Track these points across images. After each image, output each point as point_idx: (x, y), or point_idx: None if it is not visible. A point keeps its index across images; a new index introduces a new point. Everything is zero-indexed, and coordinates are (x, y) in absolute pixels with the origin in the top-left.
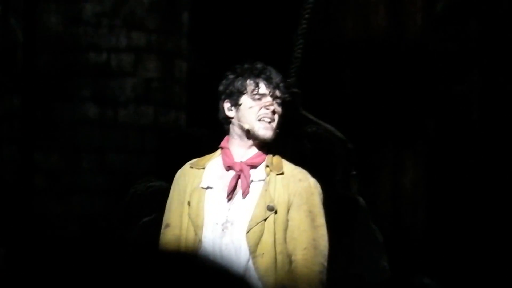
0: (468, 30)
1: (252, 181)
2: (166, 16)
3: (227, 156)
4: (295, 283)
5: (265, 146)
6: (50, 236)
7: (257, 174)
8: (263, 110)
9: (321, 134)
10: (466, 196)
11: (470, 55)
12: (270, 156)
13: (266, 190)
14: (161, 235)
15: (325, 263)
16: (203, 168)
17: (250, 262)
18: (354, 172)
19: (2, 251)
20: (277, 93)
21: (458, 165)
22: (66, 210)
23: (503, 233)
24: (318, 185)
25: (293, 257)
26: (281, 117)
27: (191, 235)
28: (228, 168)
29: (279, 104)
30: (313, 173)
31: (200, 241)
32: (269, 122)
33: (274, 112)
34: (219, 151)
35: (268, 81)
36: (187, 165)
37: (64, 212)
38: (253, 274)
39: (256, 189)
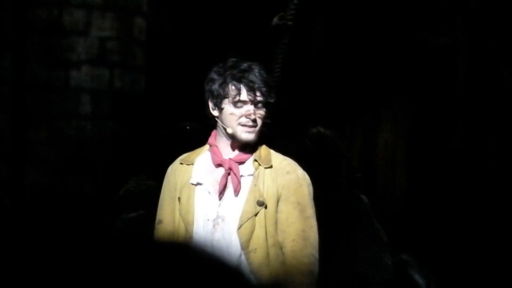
0: None
1: (241, 176)
2: None
3: (215, 154)
4: (286, 275)
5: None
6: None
7: (245, 169)
8: (244, 118)
9: (326, 135)
10: (449, 162)
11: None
12: (258, 149)
13: (255, 185)
14: (154, 231)
15: (316, 254)
16: (192, 164)
17: (243, 257)
18: (359, 175)
19: None
20: (259, 98)
21: (441, 128)
22: (13, 180)
23: (486, 200)
24: (306, 177)
25: (283, 249)
26: (268, 116)
27: (182, 231)
28: (218, 165)
29: (262, 107)
30: (318, 173)
31: (191, 237)
32: (251, 127)
33: (255, 120)
34: (207, 145)
35: (250, 86)
36: (177, 161)
37: (11, 183)
38: (245, 269)
39: (245, 184)
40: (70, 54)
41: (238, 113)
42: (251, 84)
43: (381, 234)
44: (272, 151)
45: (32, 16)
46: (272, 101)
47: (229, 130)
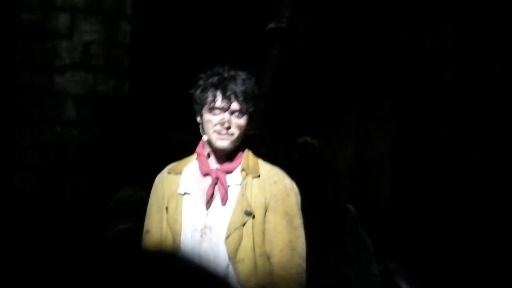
0: None
1: (229, 186)
2: None
3: (202, 163)
4: (273, 286)
5: (240, 150)
6: None
7: (233, 179)
8: (218, 126)
9: (313, 145)
10: (436, 168)
11: (442, 2)
12: (246, 158)
13: (243, 195)
14: (142, 241)
15: (303, 264)
16: (180, 174)
17: (230, 268)
18: (346, 185)
19: None
20: (235, 106)
21: (428, 132)
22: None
23: (474, 206)
24: (294, 186)
25: (270, 260)
26: (248, 125)
27: (169, 241)
28: (205, 175)
29: (240, 116)
30: (305, 182)
31: (178, 247)
32: (225, 134)
33: (229, 127)
34: (195, 155)
35: (226, 94)
36: (165, 171)
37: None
38: (233, 280)
39: (233, 193)
40: (54, 59)
41: (214, 120)
42: (227, 93)
43: (367, 243)
44: (260, 160)
45: (16, 20)
46: (250, 111)
47: (205, 137)
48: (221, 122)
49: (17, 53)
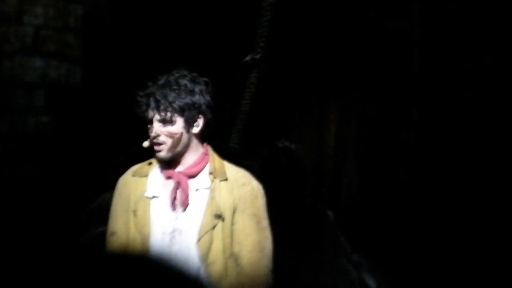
0: None
1: (197, 189)
2: None
3: (163, 167)
4: (243, 287)
5: (200, 152)
6: None
7: (201, 182)
8: (151, 134)
9: (293, 150)
10: (401, 156)
11: None
12: (212, 161)
13: (212, 198)
14: (107, 243)
15: (270, 265)
16: (146, 176)
17: (201, 270)
18: (324, 189)
19: None
20: (165, 114)
21: (396, 117)
22: None
23: (439, 195)
24: (261, 188)
25: (238, 260)
26: (186, 126)
27: (137, 244)
28: (168, 178)
29: (169, 123)
30: (284, 187)
31: (147, 250)
32: (159, 145)
33: (154, 132)
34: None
35: (153, 103)
36: (128, 173)
37: None
38: (204, 282)
39: (202, 197)
40: (2, 44)
41: (149, 133)
42: (154, 102)
43: (346, 247)
44: (225, 162)
45: None
46: (185, 115)
47: (146, 144)
48: (152, 135)
49: None
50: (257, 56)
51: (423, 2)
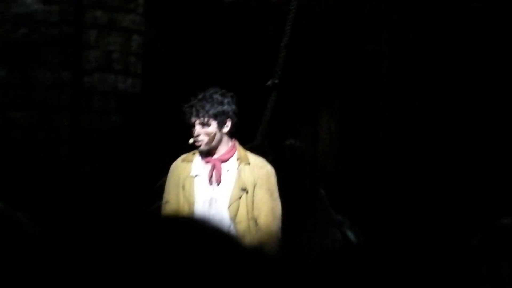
0: None
1: (228, 170)
2: None
3: (203, 155)
4: (261, 239)
5: (230, 144)
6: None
7: (231, 165)
8: (193, 134)
9: (296, 146)
10: (374, 147)
11: (380, 17)
12: (239, 150)
13: (239, 176)
14: (162, 209)
15: (280, 224)
16: (191, 162)
17: (231, 227)
18: (318, 174)
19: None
20: (203, 119)
21: (369, 119)
22: (43, 163)
23: (403, 177)
24: (273, 170)
25: (257, 221)
26: (218, 127)
27: (185, 209)
28: (207, 162)
29: (206, 126)
30: (290, 174)
31: (193, 213)
32: (198, 142)
33: (197, 133)
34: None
35: (195, 111)
36: (179, 160)
37: (39, 166)
38: (233, 236)
39: (232, 175)
40: (85, 63)
41: (193, 132)
42: (196, 111)
43: (333, 216)
44: (248, 152)
45: (57, 33)
46: (218, 119)
47: (190, 141)
48: (194, 135)
49: (59, 58)
50: (276, 81)
51: (389, 32)
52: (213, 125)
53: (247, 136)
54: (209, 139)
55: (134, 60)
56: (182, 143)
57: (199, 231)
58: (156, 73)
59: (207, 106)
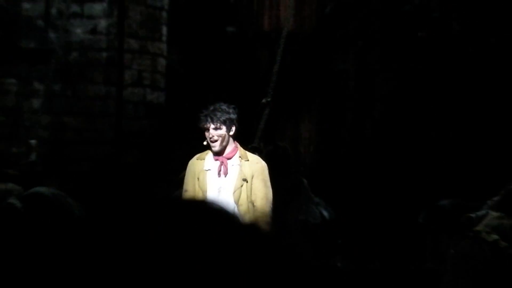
0: (346, 25)
1: (233, 165)
2: (151, 29)
3: (214, 154)
4: (256, 218)
5: (234, 145)
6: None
7: (235, 161)
8: (209, 139)
9: (284, 147)
10: (344, 141)
11: (348, 43)
12: (240, 150)
13: (241, 170)
14: (182, 196)
15: (271, 206)
16: (204, 159)
17: (235, 209)
18: (302, 168)
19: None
20: (216, 125)
21: (339, 122)
22: (89, 157)
23: (368, 166)
24: (266, 165)
25: (255, 203)
26: (227, 130)
27: (200, 196)
28: (216, 160)
29: (218, 129)
30: (279, 168)
31: (206, 198)
32: (213, 142)
33: (211, 135)
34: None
35: (210, 119)
36: (194, 158)
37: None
38: (236, 215)
39: (235, 169)
40: (125, 80)
41: (207, 136)
42: (211, 118)
43: (313, 198)
44: (246, 151)
45: (101, 57)
46: (227, 124)
47: (205, 143)
48: (209, 137)
49: (103, 76)
50: (269, 99)
51: (355, 55)
52: (223, 129)
53: (247, 140)
54: (221, 140)
55: (159, 78)
56: (196, 143)
57: (211, 212)
58: (176, 88)
59: (218, 114)
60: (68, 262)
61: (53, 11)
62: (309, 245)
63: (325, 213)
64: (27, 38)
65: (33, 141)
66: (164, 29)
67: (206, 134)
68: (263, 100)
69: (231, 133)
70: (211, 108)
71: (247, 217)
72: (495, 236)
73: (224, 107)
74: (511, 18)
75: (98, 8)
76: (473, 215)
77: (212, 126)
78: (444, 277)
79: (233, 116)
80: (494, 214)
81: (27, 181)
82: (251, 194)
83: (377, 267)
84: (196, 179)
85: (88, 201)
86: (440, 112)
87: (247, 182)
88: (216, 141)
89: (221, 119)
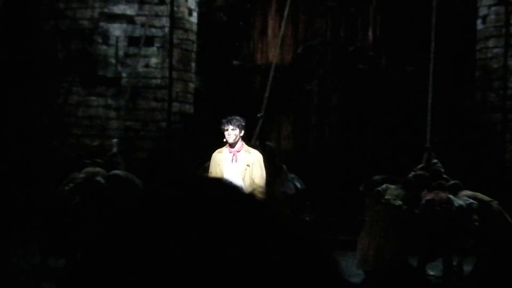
0: (311, 59)
1: (240, 156)
2: (185, 64)
3: (229, 149)
4: (255, 190)
5: (241, 143)
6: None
7: (242, 153)
8: (227, 136)
9: (271, 146)
10: (311, 137)
11: (313, 71)
12: (245, 146)
13: (246, 159)
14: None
15: (265, 182)
16: (222, 152)
17: (241, 184)
18: (282, 158)
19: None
20: (231, 127)
21: (307, 125)
22: (146, 149)
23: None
24: (261, 156)
25: (254, 180)
26: (239, 131)
27: (220, 176)
28: (230, 152)
29: (235, 130)
30: (268, 158)
31: (224, 177)
32: (229, 135)
33: (229, 133)
34: (227, 145)
35: (227, 123)
36: (216, 152)
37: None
38: (243, 188)
39: (242, 159)
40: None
41: (226, 133)
42: (228, 122)
43: (289, 176)
44: (249, 147)
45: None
46: (239, 127)
47: (225, 139)
48: (227, 134)
49: (154, 96)
50: (262, 114)
51: (318, 80)
52: (237, 130)
53: (248, 139)
54: (235, 137)
55: (189, 96)
56: (217, 141)
57: (228, 185)
58: (200, 103)
59: (234, 121)
60: (138, 223)
61: (120, 52)
62: (288, 207)
63: (298, 184)
64: (104, 70)
65: (115, 140)
66: (193, 64)
67: (226, 133)
68: (258, 115)
69: (241, 134)
70: (229, 117)
71: (249, 189)
72: (399, 202)
73: (237, 117)
74: (423, 53)
75: (151, 50)
76: (379, 188)
77: (230, 127)
78: (364, 227)
79: (243, 123)
80: (392, 187)
81: (109, 166)
82: (252, 174)
83: (333, 220)
84: (217, 165)
85: (147, 179)
86: (375, 117)
87: (249, 166)
88: (231, 136)
89: (236, 124)
